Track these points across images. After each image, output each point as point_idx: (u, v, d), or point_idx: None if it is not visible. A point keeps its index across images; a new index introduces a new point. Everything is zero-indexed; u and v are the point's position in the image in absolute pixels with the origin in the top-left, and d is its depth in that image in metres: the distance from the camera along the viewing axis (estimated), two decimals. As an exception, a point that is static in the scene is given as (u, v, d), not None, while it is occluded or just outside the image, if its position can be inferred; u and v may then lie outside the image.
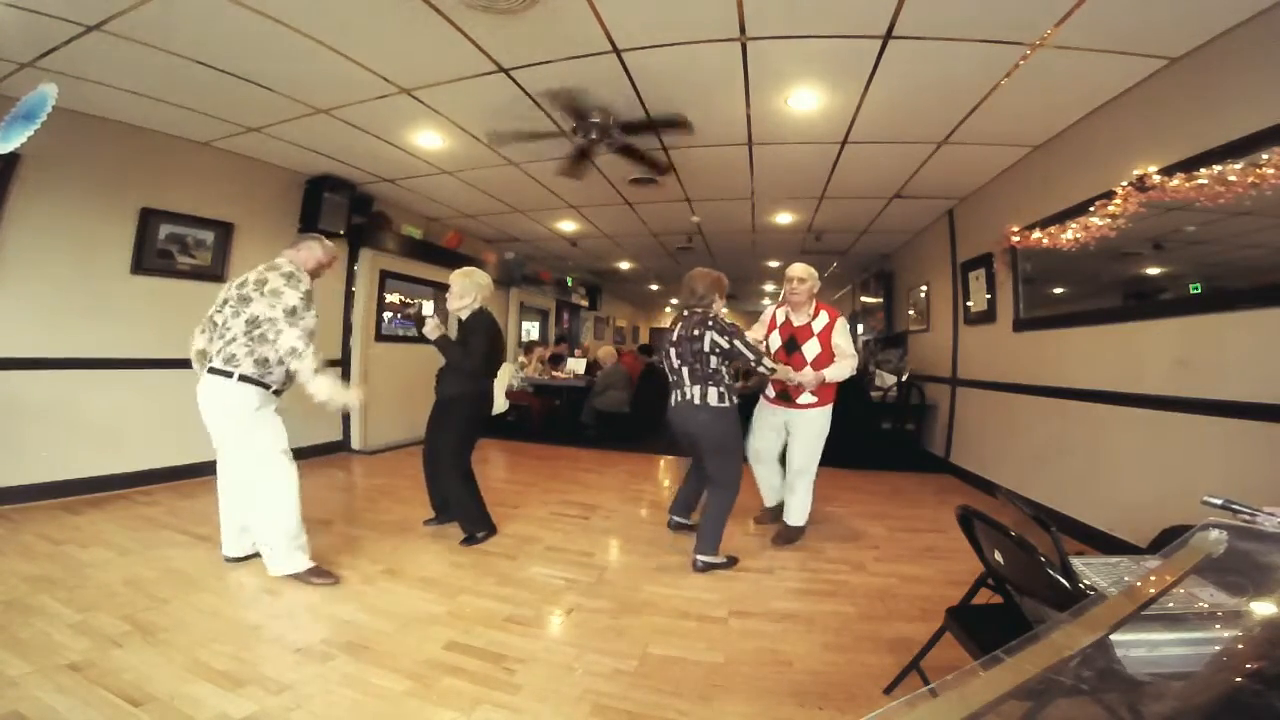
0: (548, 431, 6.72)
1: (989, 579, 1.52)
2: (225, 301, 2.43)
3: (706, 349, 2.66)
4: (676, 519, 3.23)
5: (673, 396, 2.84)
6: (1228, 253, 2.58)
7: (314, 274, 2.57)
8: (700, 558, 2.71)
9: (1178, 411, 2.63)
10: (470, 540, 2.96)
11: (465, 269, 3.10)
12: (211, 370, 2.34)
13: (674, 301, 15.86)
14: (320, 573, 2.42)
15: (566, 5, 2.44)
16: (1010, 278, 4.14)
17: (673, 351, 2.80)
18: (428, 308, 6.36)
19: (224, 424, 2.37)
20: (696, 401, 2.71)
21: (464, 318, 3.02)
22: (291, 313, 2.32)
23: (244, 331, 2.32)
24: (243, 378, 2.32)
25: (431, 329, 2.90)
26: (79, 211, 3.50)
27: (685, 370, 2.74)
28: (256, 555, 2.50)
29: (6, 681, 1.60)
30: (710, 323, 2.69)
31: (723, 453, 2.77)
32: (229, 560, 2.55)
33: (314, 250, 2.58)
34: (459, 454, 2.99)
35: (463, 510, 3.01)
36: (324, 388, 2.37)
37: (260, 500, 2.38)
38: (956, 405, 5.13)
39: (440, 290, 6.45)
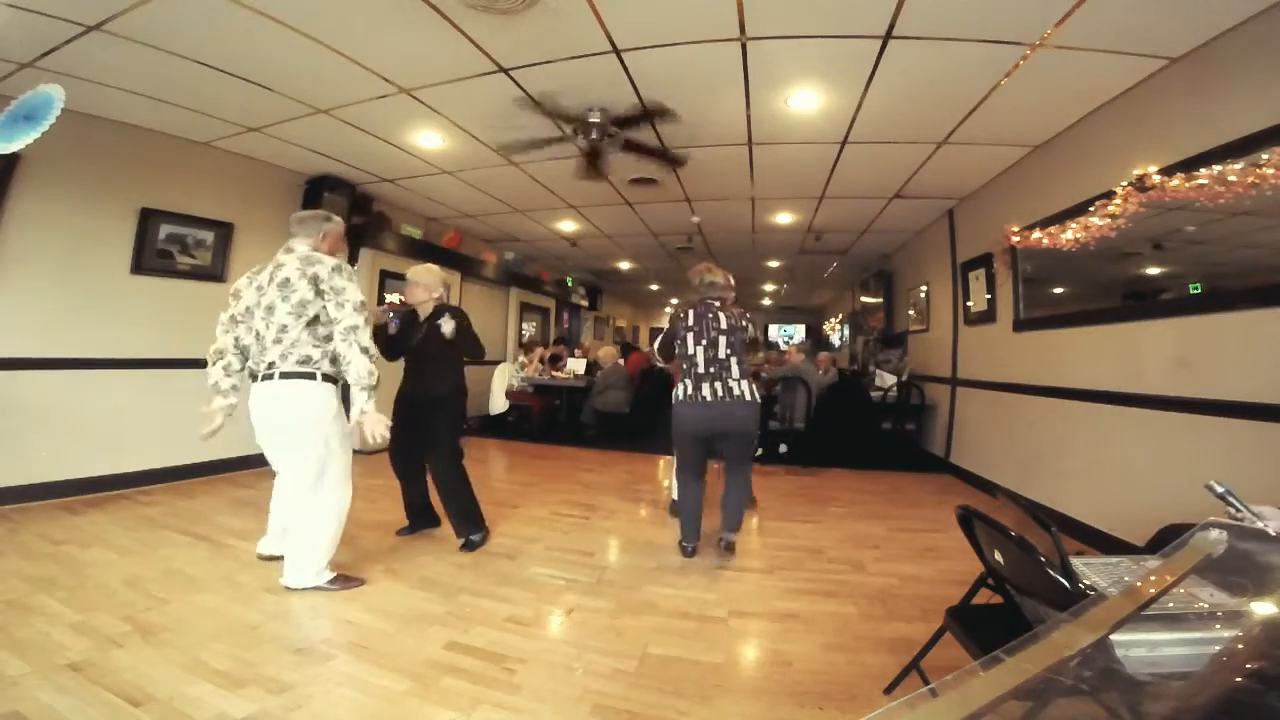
0: (548, 431, 6.72)
1: (989, 579, 1.52)
2: (268, 308, 2.22)
3: (749, 339, 2.74)
4: (693, 545, 2.87)
5: (704, 390, 2.64)
6: (1228, 253, 2.58)
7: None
8: (734, 536, 2.85)
9: (1178, 411, 2.63)
10: (469, 545, 2.87)
11: (423, 265, 3.03)
12: (284, 375, 2.20)
13: (674, 301, 15.86)
14: (344, 579, 2.39)
15: (566, 5, 2.44)
16: (1010, 278, 4.13)
17: (722, 341, 2.65)
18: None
19: (299, 429, 2.25)
20: (748, 397, 2.67)
21: (427, 313, 2.94)
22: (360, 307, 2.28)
23: (307, 331, 2.22)
24: (325, 376, 2.26)
25: (450, 330, 2.84)
26: (79, 211, 3.50)
27: (735, 362, 2.67)
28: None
29: (6, 681, 1.60)
30: (748, 315, 2.76)
31: (753, 440, 2.84)
32: (261, 558, 2.58)
33: (339, 227, 2.50)
34: (457, 450, 2.91)
35: (463, 513, 2.89)
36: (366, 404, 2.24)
37: (315, 517, 2.30)
38: (956, 405, 5.13)
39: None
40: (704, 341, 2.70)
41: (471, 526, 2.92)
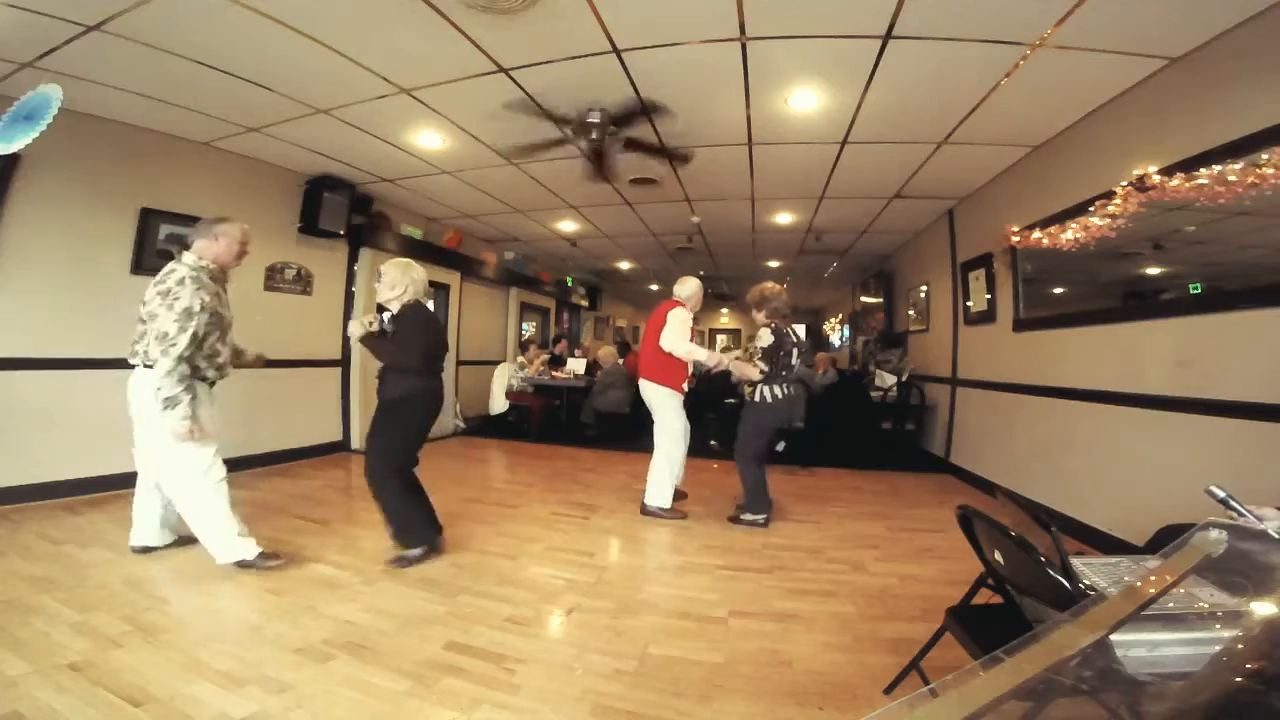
0: (548, 431, 6.72)
1: (989, 579, 1.52)
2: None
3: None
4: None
5: (781, 390, 3.37)
6: (1228, 253, 2.58)
7: (238, 260, 2.64)
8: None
9: (1178, 411, 2.63)
10: (402, 561, 2.59)
11: (400, 259, 2.78)
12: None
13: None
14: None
15: (566, 5, 2.44)
16: (1010, 278, 4.13)
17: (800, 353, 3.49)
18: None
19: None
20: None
21: (394, 310, 2.68)
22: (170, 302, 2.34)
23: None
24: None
25: (354, 329, 2.63)
26: (79, 211, 3.50)
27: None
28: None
29: (6, 681, 1.60)
30: None
31: None
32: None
33: (233, 234, 2.58)
34: (392, 458, 2.61)
35: (396, 522, 2.64)
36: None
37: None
38: (956, 405, 5.13)
39: (441, 289, 6.46)
40: (799, 355, 3.49)
41: (405, 540, 2.66)
